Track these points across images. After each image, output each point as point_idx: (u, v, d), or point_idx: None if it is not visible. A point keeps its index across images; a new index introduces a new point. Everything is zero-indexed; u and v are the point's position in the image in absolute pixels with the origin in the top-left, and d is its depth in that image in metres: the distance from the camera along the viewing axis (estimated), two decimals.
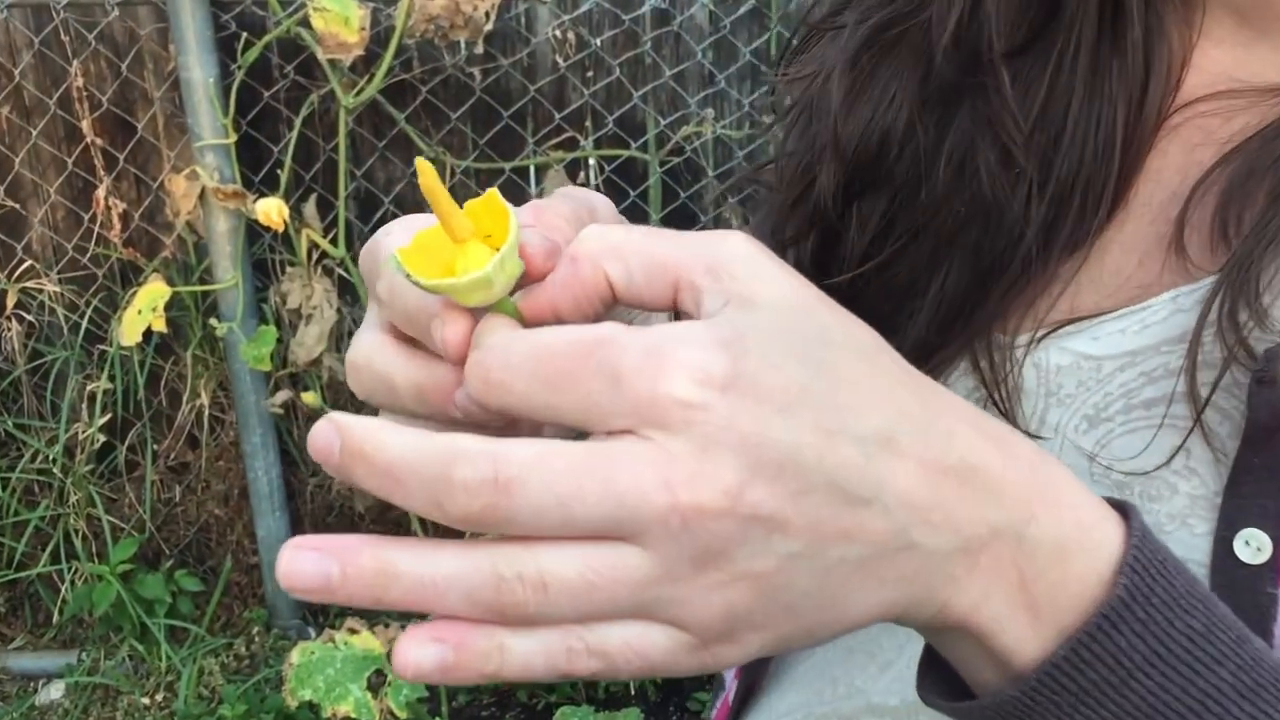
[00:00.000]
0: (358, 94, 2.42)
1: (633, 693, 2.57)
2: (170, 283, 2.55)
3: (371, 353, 0.43)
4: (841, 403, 0.35)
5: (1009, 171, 0.56)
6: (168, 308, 2.49)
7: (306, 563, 0.34)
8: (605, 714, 2.41)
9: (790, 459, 0.33)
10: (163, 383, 2.73)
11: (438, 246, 0.41)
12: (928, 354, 0.59)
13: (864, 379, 0.36)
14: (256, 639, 2.75)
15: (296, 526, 2.79)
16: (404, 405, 0.43)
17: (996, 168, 0.57)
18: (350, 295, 2.67)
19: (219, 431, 2.75)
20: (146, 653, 2.67)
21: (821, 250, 0.64)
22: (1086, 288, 0.56)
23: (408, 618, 2.71)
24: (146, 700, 2.62)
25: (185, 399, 2.70)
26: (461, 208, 0.41)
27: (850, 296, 0.57)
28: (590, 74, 2.61)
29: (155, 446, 2.76)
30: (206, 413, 2.71)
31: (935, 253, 0.60)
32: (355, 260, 2.66)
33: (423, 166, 0.39)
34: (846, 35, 0.63)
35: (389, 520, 2.84)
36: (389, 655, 2.42)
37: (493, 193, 0.41)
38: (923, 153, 0.60)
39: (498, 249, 0.39)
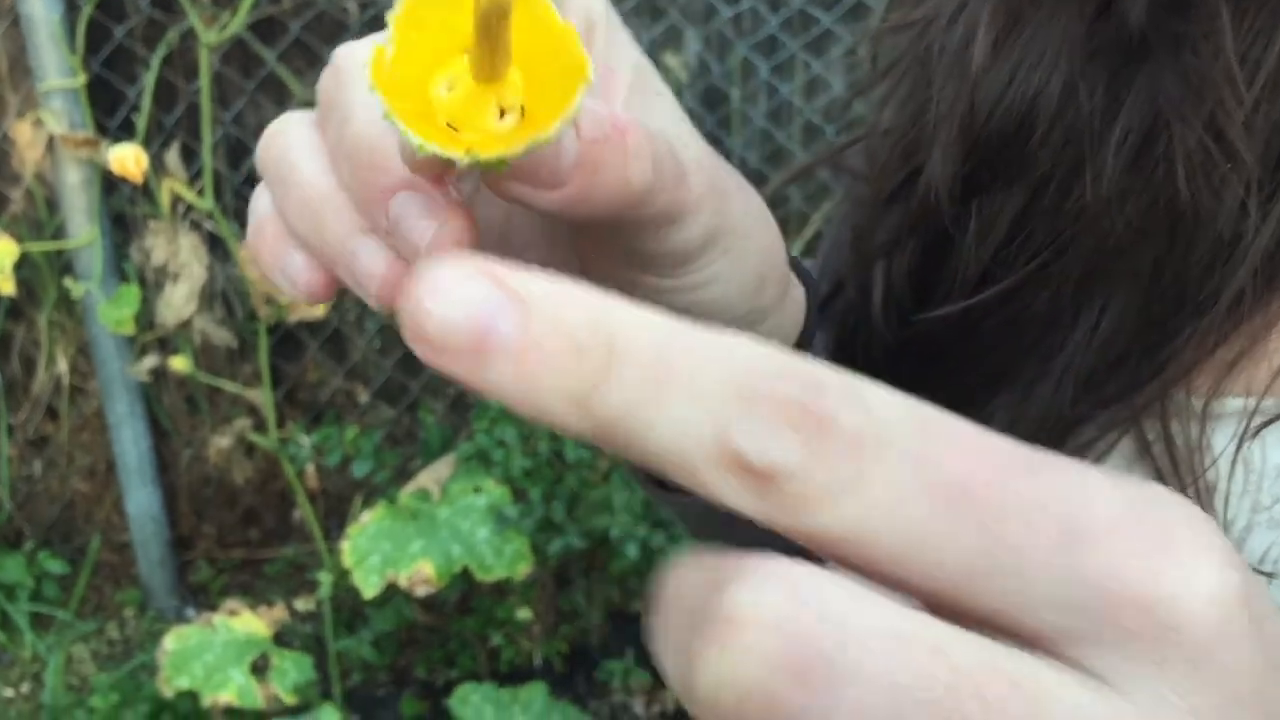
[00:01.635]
0: (221, 30, 2.23)
1: (537, 665, 2.46)
2: (19, 240, 2.34)
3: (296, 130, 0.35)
4: None
5: (1216, 161, 0.39)
6: (17, 268, 2.29)
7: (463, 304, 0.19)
8: (508, 690, 2.30)
9: None
10: (15, 350, 2.52)
11: (431, 56, 0.27)
12: (1067, 427, 0.42)
13: None
14: (130, 622, 2.58)
15: (171, 501, 2.62)
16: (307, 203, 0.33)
17: (1198, 155, 0.39)
18: (221, 251, 2.48)
19: (80, 401, 2.56)
20: (8, 641, 2.50)
21: (924, 266, 0.48)
22: None
23: (296, 594, 2.57)
24: (10, 692, 2.45)
25: (42, 367, 2.51)
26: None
27: (959, 334, 0.46)
28: None
29: (11, 419, 2.56)
30: (66, 381, 2.52)
31: (1090, 276, 0.42)
32: (225, 212, 2.46)
33: None
34: None
35: (271, 491, 2.68)
36: (274, 637, 2.30)
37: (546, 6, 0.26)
38: (1084, 130, 0.42)
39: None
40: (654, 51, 2.47)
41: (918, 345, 0.48)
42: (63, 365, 2.51)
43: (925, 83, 0.48)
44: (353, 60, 0.33)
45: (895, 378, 0.45)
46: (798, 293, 0.45)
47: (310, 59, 2.41)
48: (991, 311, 0.45)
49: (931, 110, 0.47)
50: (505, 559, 2.25)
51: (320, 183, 0.33)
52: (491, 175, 0.29)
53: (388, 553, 2.26)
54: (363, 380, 2.70)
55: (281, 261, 0.34)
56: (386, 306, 0.31)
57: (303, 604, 2.50)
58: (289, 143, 0.35)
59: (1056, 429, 0.42)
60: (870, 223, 0.49)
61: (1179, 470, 0.39)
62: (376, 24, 2.05)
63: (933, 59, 0.47)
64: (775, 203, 2.07)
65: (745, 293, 0.40)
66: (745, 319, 0.40)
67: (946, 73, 0.46)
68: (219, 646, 2.22)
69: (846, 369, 0.47)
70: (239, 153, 2.49)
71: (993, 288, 0.45)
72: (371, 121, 0.30)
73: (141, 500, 2.54)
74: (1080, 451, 0.42)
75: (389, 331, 2.65)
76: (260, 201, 0.35)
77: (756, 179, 2.65)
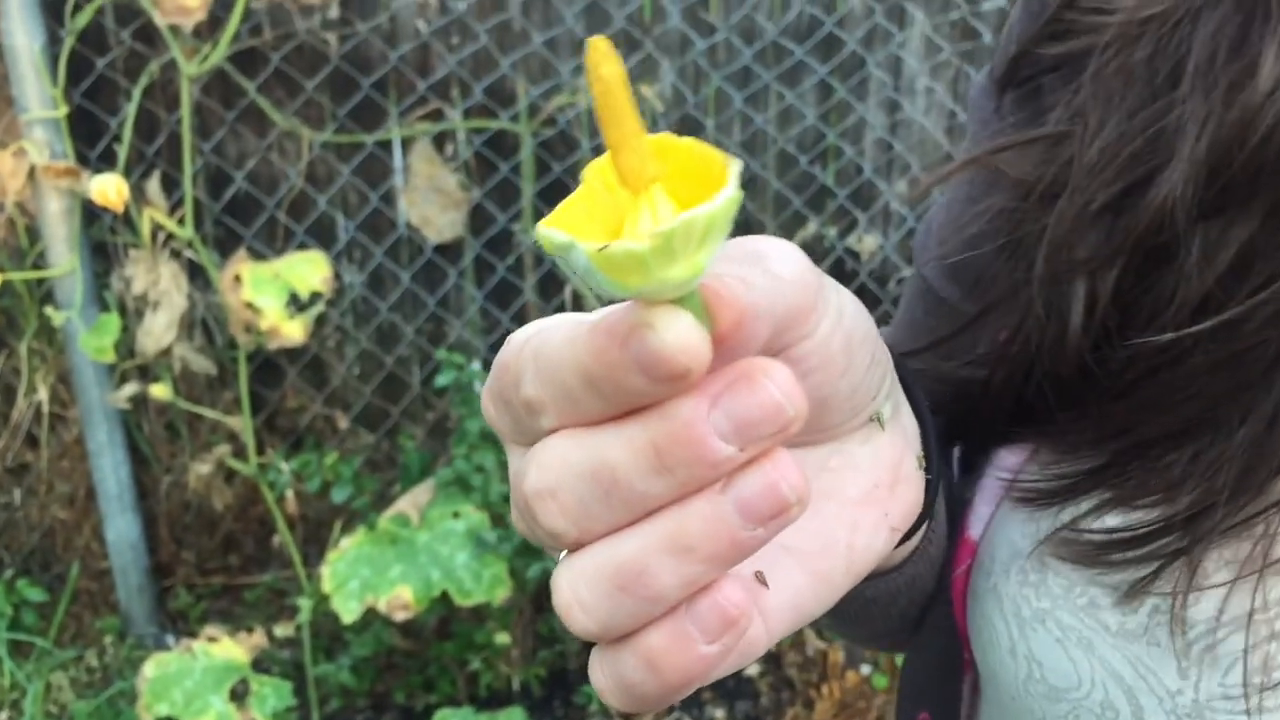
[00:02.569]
0: (202, 62, 2.25)
1: (515, 689, 2.47)
2: (0, 269, 2.35)
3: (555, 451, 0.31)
4: None
5: None
6: None
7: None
8: (487, 714, 2.31)
9: None
10: None
11: (592, 216, 0.29)
12: (1272, 473, 0.41)
13: None
14: (110, 650, 2.57)
15: (150, 528, 2.62)
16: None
17: None
18: (202, 279, 2.49)
19: (60, 429, 2.56)
20: None
21: (1136, 286, 0.44)
22: None
23: (275, 620, 2.57)
24: None
25: (21, 394, 2.51)
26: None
27: (1165, 362, 0.43)
28: (456, 40, 2.47)
29: None
30: (46, 409, 2.52)
31: None
32: (205, 240, 2.48)
33: (602, 52, 0.28)
34: None
35: (251, 518, 2.68)
36: (253, 664, 2.30)
37: (691, 141, 0.29)
38: None
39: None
40: (631, 82, 2.51)
41: (1116, 370, 0.45)
42: (43, 393, 2.50)
43: (1150, 92, 0.44)
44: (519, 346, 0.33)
45: (1087, 403, 0.46)
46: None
47: (290, 89, 2.43)
48: (1205, 341, 0.42)
49: (1169, 122, 0.43)
50: (484, 584, 2.26)
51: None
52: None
53: (367, 578, 2.27)
54: (342, 406, 2.71)
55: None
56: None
57: (282, 630, 2.50)
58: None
59: (1259, 473, 0.41)
60: (1071, 235, 0.45)
61: None
62: (355, 56, 2.08)
63: (1161, 64, 0.44)
64: (752, 228, 2.12)
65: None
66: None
67: (1193, 85, 0.43)
68: (198, 673, 2.22)
69: (1003, 396, 0.49)
70: (219, 181, 2.51)
71: (1213, 318, 0.42)
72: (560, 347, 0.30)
73: (121, 527, 2.53)
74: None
75: (368, 358, 2.67)
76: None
77: None
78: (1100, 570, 0.45)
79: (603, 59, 0.27)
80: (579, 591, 0.30)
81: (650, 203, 0.28)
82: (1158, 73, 0.44)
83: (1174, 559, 0.43)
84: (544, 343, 0.30)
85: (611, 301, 0.29)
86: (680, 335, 0.28)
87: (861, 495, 0.40)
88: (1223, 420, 0.42)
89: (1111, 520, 0.45)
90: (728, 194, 0.27)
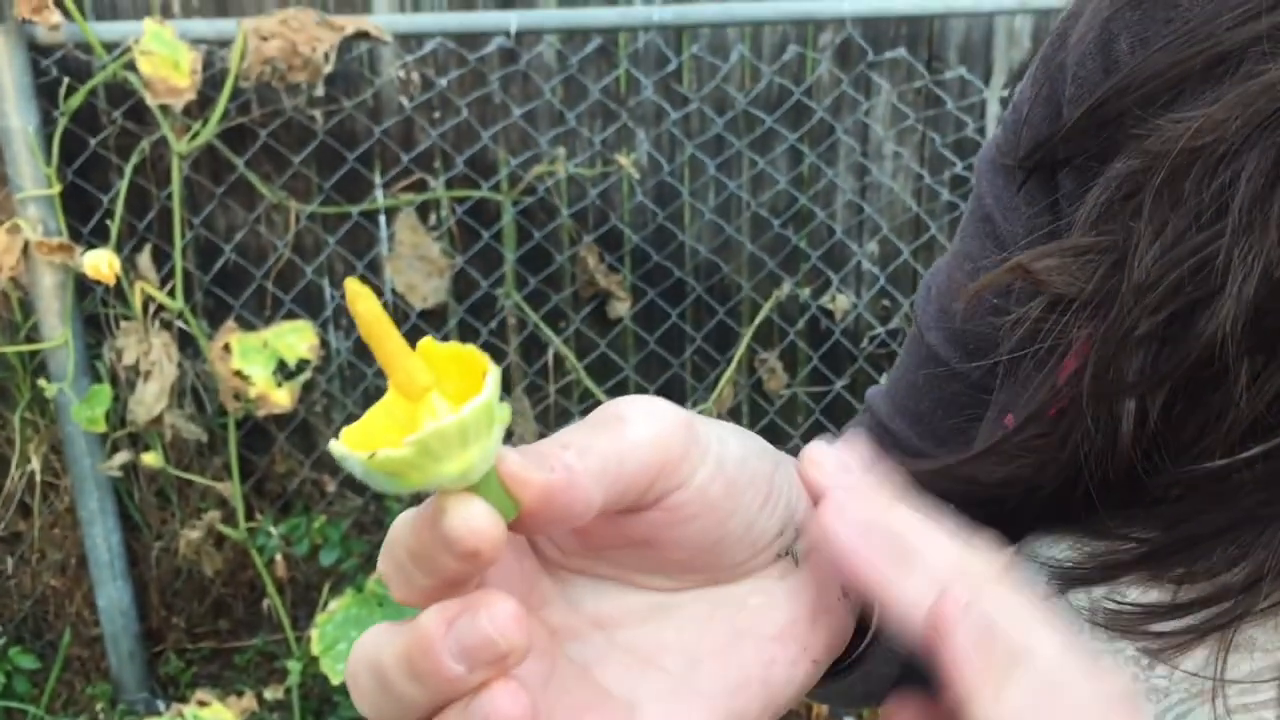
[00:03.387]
0: (192, 139, 2.32)
1: None
2: None
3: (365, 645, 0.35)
4: None
5: None
6: None
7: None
8: None
9: None
10: None
11: (395, 422, 0.33)
12: None
13: None
14: (101, 716, 2.59)
15: (141, 594, 2.65)
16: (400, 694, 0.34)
17: None
18: (192, 349, 2.55)
19: (52, 498, 2.60)
20: None
21: (1186, 405, 0.45)
22: None
23: (265, 683, 2.60)
24: None
25: (14, 464, 2.55)
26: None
27: (1213, 477, 0.44)
28: (438, 114, 2.55)
29: None
30: (38, 478, 2.56)
31: None
32: (195, 311, 2.54)
33: (355, 292, 0.31)
34: None
35: (241, 582, 2.71)
36: None
37: (466, 348, 0.32)
38: None
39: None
40: (608, 152, 2.60)
41: (1165, 482, 0.46)
42: (35, 463, 2.55)
43: (1197, 223, 0.45)
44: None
45: (1132, 504, 0.49)
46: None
47: (278, 163, 2.51)
48: (1257, 461, 0.43)
49: (1217, 255, 0.43)
50: None
51: None
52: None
53: (355, 640, 2.30)
54: (330, 470, 2.76)
55: None
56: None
57: (272, 693, 2.52)
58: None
59: None
60: (1118, 359, 0.46)
61: None
62: (340, 131, 2.16)
63: (1208, 196, 0.44)
64: (728, 290, 2.21)
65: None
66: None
67: (1240, 221, 0.43)
68: None
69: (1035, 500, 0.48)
70: (209, 253, 2.58)
71: (1264, 442, 0.43)
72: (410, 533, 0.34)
73: (112, 594, 2.57)
74: None
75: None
76: None
77: (708, 269, 2.76)
78: (1135, 639, 0.46)
79: (357, 297, 0.30)
80: None
81: (429, 408, 0.32)
82: (1205, 204, 0.44)
83: (1216, 632, 0.44)
84: (395, 523, 0.35)
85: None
86: (465, 519, 0.31)
87: (778, 631, 0.40)
88: (1272, 516, 0.43)
89: (1153, 595, 0.46)
90: (478, 401, 0.30)
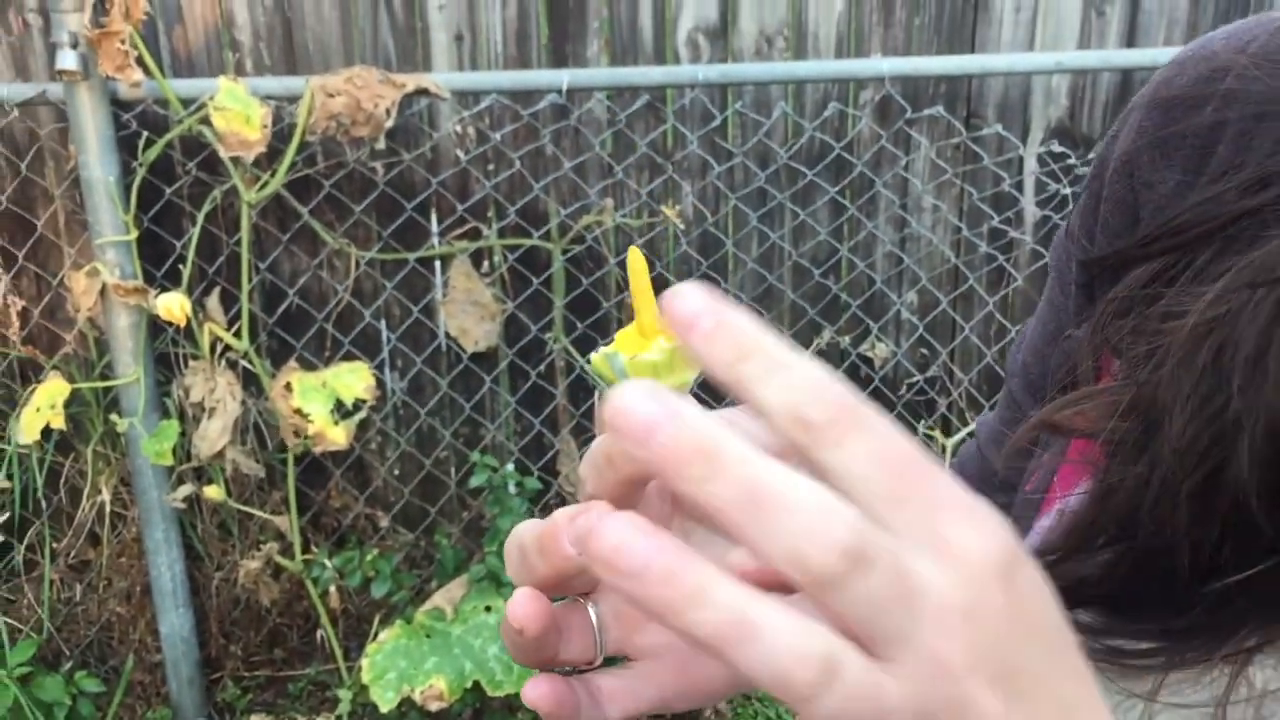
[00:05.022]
0: (261, 189, 2.45)
1: None
2: (70, 379, 2.54)
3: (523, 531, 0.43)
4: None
5: None
6: (68, 404, 2.48)
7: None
8: None
9: None
10: (63, 479, 2.70)
11: (628, 344, 0.46)
12: None
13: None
14: None
15: (201, 622, 2.76)
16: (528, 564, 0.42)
17: None
18: (255, 388, 2.67)
19: (120, 528, 2.72)
20: None
21: (1235, 542, 0.48)
22: None
23: (317, 711, 2.69)
24: None
25: (86, 495, 2.67)
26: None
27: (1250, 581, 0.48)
28: (492, 166, 2.67)
29: (55, 544, 2.72)
30: (108, 509, 2.68)
31: None
32: (259, 351, 2.67)
33: (635, 255, 0.45)
34: None
35: (296, 612, 2.81)
36: None
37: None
38: None
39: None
40: (654, 203, 2.70)
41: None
42: (105, 494, 2.67)
43: (1215, 388, 0.47)
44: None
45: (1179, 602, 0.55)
46: None
47: (340, 212, 2.64)
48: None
49: (1229, 411, 0.46)
50: (515, 675, 2.37)
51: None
52: None
53: (403, 669, 2.39)
54: (383, 506, 2.86)
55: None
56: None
57: None
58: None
59: None
60: (1168, 512, 0.49)
61: None
62: (399, 182, 2.28)
63: (1223, 360, 0.47)
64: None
65: None
66: None
67: (1244, 379, 0.46)
68: None
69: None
70: (274, 296, 2.70)
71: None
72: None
73: (174, 622, 2.67)
74: None
75: (408, 459, 2.83)
76: None
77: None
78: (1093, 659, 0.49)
79: (634, 258, 0.44)
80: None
81: (657, 345, 0.45)
82: (1221, 369, 0.47)
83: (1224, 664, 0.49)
84: (596, 441, 0.42)
85: None
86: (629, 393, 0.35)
87: None
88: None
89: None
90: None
